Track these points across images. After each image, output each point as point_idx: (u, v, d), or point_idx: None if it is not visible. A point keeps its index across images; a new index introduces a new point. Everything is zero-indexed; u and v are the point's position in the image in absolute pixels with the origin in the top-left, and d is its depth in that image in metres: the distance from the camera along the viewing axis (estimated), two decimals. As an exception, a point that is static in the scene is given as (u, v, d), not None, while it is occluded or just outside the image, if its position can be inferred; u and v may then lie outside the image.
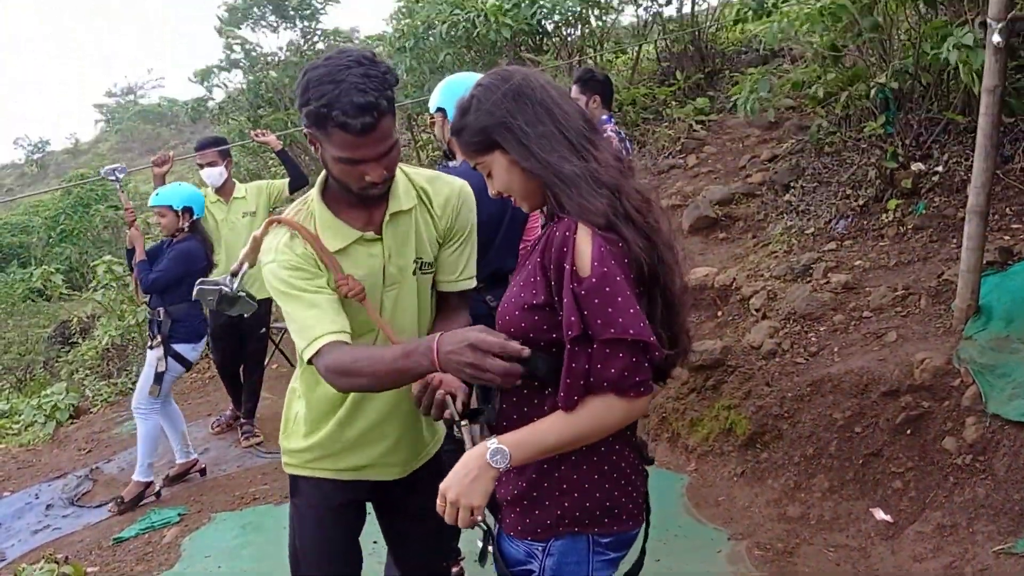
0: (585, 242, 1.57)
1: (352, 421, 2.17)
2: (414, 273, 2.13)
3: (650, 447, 4.60)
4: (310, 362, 1.90)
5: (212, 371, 6.59)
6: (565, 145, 1.64)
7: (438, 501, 1.63)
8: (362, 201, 2.01)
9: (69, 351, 10.42)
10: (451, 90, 3.12)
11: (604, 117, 4.53)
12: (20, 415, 7.64)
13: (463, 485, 1.60)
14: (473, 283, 2.26)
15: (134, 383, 8.06)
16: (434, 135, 3.32)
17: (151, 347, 4.91)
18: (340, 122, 1.78)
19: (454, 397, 1.86)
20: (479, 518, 1.62)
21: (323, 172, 2.03)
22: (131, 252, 5.00)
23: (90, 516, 5.06)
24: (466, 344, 1.59)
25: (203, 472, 5.32)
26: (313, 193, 2.06)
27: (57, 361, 10.48)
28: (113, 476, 5.69)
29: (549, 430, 1.59)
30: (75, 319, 10.72)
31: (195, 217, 4.89)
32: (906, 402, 3.71)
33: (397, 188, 2.06)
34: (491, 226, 2.94)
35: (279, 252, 1.98)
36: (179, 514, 4.75)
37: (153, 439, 4.98)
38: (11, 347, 10.75)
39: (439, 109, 3.18)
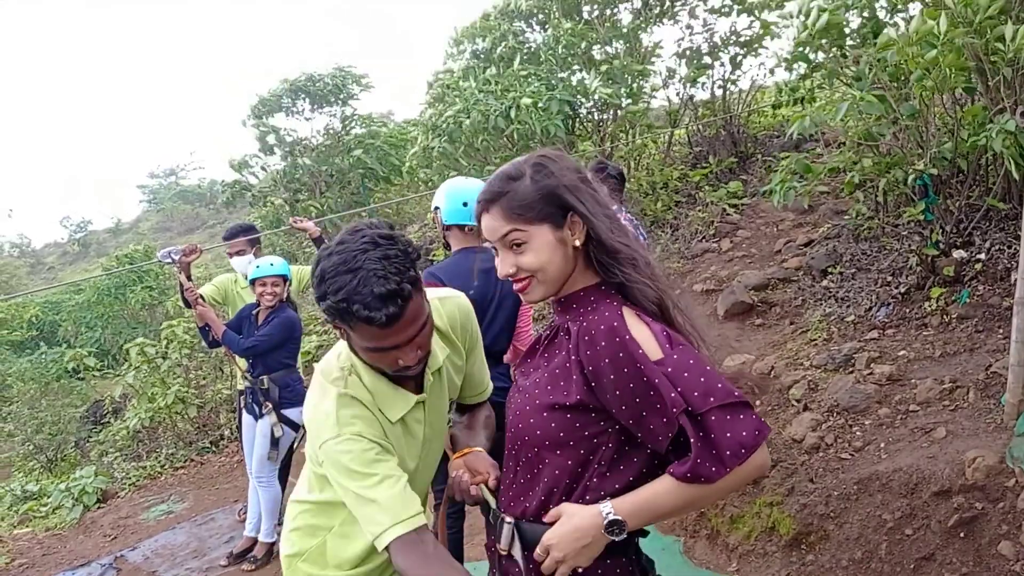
0: (641, 328, 1.54)
1: (378, 573, 2.11)
2: (449, 424, 2.07)
3: (688, 544, 4.43)
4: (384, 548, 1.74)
5: (240, 455, 6.52)
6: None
7: (538, 550, 1.59)
8: (397, 380, 1.89)
9: (100, 431, 10.43)
10: (448, 191, 3.50)
11: (615, 207, 4.57)
12: (48, 497, 7.59)
13: (574, 549, 1.56)
14: (492, 387, 2.21)
15: (163, 466, 8.07)
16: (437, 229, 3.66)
17: (260, 416, 5.02)
18: (363, 316, 1.64)
19: (485, 483, 1.83)
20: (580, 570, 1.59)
21: None
22: (203, 329, 5.14)
23: (112, 608, 4.95)
24: None
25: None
26: (351, 359, 1.88)
27: (88, 441, 10.49)
28: (137, 565, 5.58)
29: (666, 497, 1.53)
30: (107, 399, 10.77)
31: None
32: (958, 503, 3.52)
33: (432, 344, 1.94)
34: (482, 304, 3.10)
35: (343, 426, 1.79)
36: (202, 608, 4.63)
37: (276, 503, 5.20)
38: (43, 427, 10.77)
39: (436, 207, 3.54)
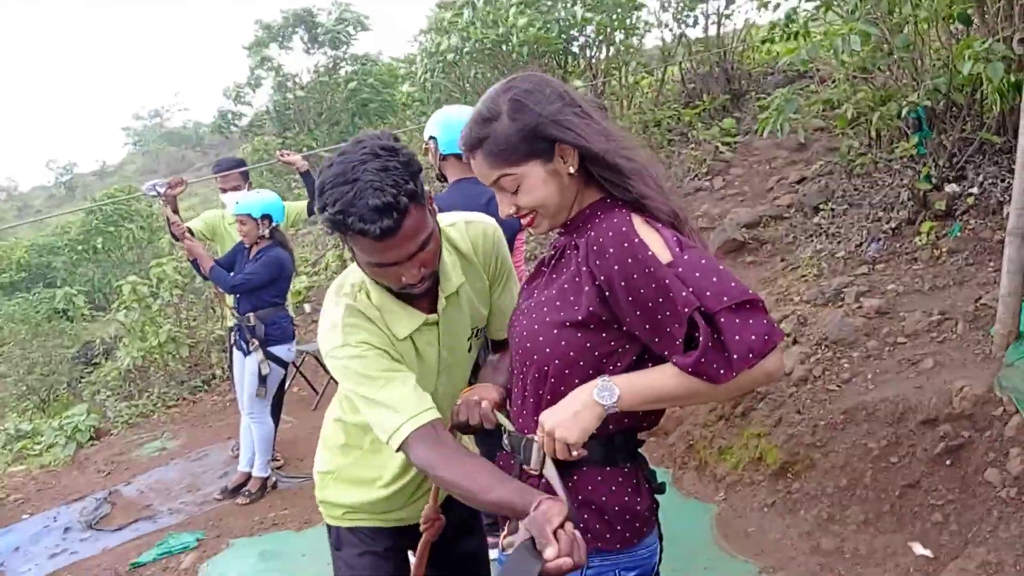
0: (651, 232, 1.51)
1: (415, 487, 2.10)
2: (469, 350, 2.03)
3: (677, 475, 4.48)
4: (399, 448, 1.71)
5: (232, 394, 6.55)
6: (618, 145, 1.58)
7: (538, 432, 1.58)
8: (407, 299, 1.86)
9: (92, 372, 10.45)
10: (444, 120, 3.42)
11: None
12: (41, 436, 7.63)
13: (563, 417, 1.53)
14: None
15: (155, 405, 8.10)
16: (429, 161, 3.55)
17: (248, 353, 5.01)
18: (358, 229, 1.61)
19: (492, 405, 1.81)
20: (575, 454, 1.55)
21: None
22: (195, 263, 5.12)
23: (108, 540, 4.99)
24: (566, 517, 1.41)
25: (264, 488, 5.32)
26: (363, 278, 1.87)
27: (80, 382, 10.51)
28: (132, 500, 5.63)
29: (665, 381, 1.50)
30: (98, 340, 10.76)
31: (275, 223, 4.95)
32: (945, 431, 3.56)
33: (445, 266, 1.89)
34: None
35: (349, 334, 1.77)
36: (197, 539, 4.68)
37: (268, 439, 5.21)
38: (35, 367, 10.78)
39: (432, 137, 3.45)
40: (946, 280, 4.46)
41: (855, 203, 5.53)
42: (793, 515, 3.84)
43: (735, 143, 7.53)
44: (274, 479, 5.37)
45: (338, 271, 10.05)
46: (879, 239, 5.04)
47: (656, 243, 1.49)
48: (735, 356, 1.42)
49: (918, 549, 3.38)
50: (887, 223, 5.08)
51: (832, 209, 5.61)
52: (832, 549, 3.56)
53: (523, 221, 1.64)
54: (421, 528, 2.00)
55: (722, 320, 1.42)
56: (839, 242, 5.26)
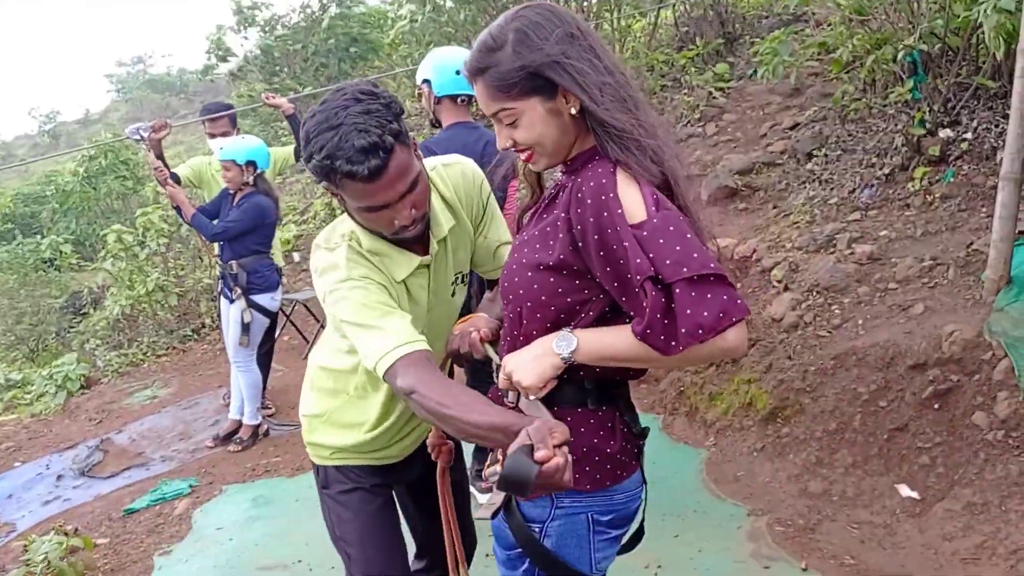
0: (630, 188, 1.46)
1: (399, 428, 2.12)
2: (452, 295, 2.04)
3: (667, 421, 4.51)
4: (385, 378, 1.68)
5: (222, 343, 6.52)
6: (615, 95, 1.51)
7: (502, 373, 1.60)
8: (401, 244, 1.85)
9: (80, 322, 10.40)
10: (438, 62, 3.35)
11: None
12: (31, 385, 7.62)
13: (522, 361, 1.54)
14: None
15: (145, 354, 8.08)
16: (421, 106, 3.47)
17: (232, 300, 5.00)
18: (346, 171, 1.62)
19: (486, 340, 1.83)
20: (531, 397, 1.55)
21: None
22: (179, 210, 5.07)
23: (101, 487, 5.02)
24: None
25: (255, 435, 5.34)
26: (353, 227, 1.85)
27: (69, 331, 10.47)
28: (124, 447, 5.65)
29: (619, 342, 1.48)
30: (86, 289, 10.69)
31: (259, 170, 4.88)
32: (934, 376, 3.59)
33: (435, 211, 1.89)
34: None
35: (352, 270, 1.77)
36: (190, 486, 4.71)
37: (255, 387, 5.21)
38: (23, 317, 10.72)
39: (425, 81, 3.37)
40: (938, 226, 4.45)
41: (848, 149, 5.49)
42: (782, 459, 3.88)
43: (728, 88, 7.44)
44: (266, 427, 5.39)
45: (327, 220, 9.98)
46: (872, 185, 5.01)
47: (632, 201, 1.44)
48: (683, 331, 1.38)
49: (905, 491, 3.42)
50: (880, 169, 5.05)
51: (825, 155, 5.57)
52: (820, 492, 3.61)
53: (522, 156, 1.60)
54: (433, 456, 2.03)
55: (677, 291, 1.38)
56: (832, 188, 5.23)
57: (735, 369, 4.37)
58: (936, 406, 3.54)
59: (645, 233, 1.40)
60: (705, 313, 1.37)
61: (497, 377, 1.68)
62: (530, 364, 1.53)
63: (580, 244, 1.48)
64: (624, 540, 1.73)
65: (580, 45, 1.51)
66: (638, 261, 1.39)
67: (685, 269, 1.37)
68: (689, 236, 1.41)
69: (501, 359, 1.67)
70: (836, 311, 4.22)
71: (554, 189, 1.66)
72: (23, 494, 5.15)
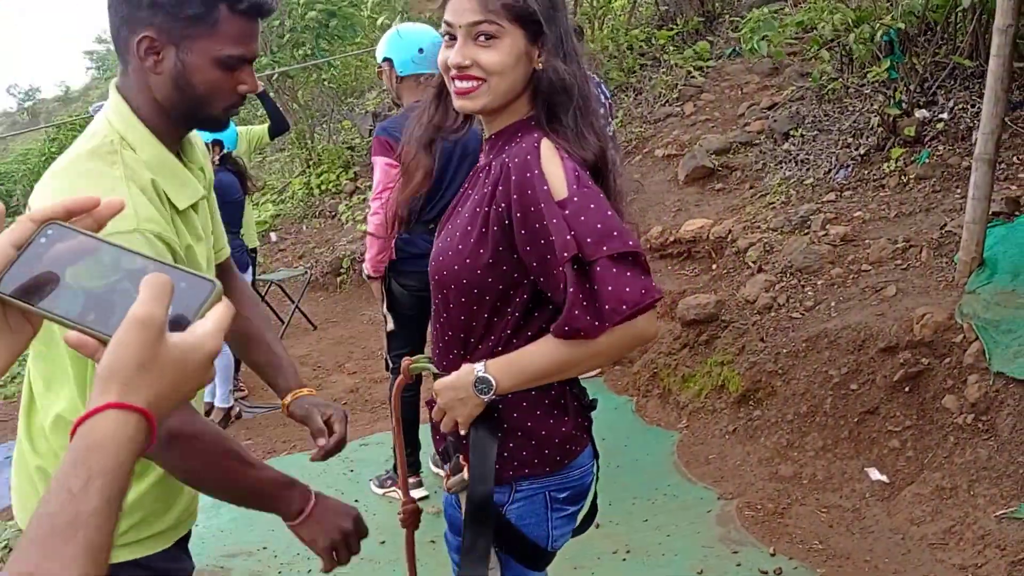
0: (553, 163, 1.43)
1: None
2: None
3: (640, 403, 4.49)
4: None
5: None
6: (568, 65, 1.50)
7: (436, 408, 1.56)
8: (205, 123, 1.52)
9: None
10: (401, 40, 3.27)
11: None
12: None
13: (451, 399, 1.51)
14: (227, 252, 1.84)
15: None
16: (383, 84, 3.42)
17: None
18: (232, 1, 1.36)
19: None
20: (462, 431, 1.53)
21: (127, 101, 1.45)
22: None
23: (69, 471, 4.96)
24: (351, 517, 1.50)
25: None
26: (121, 124, 1.44)
27: (44, 312, 10.35)
28: (94, 430, 5.58)
29: (539, 357, 1.45)
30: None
31: (225, 150, 4.80)
32: (905, 359, 3.57)
33: (196, 153, 1.62)
34: (442, 162, 2.88)
35: (143, 220, 1.34)
36: (158, 470, 4.65)
37: (226, 369, 5.14)
38: (-3, 298, 10.59)
39: (386, 59, 3.29)
40: (913, 207, 4.42)
41: (825, 129, 5.45)
42: (753, 442, 3.86)
43: (707, 68, 7.38)
44: (238, 409, 5.32)
45: (305, 199, 9.86)
46: (848, 166, 4.98)
47: (556, 176, 1.42)
48: (607, 307, 1.35)
49: (874, 474, 3.41)
50: (856, 149, 5.01)
51: (802, 135, 5.53)
52: (790, 475, 3.59)
53: (462, 84, 1.49)
54: (401, 523, 1.79)
55: (598, 268, 1.36)
56: (808, 169, 5.19)
57: (708, 351, 4.34)
58: (907, 389, 3.53)
59: (567, 212, 1.38)
60: (628, 289, 1.36)
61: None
62: (457, 404, 1.51)
63: (507, 222, 1.45)
64: (579, 518, 1.71)
65: (562, 12, 1.52)
66: (566, 239, 1.36)
67: (606, 247, 1.36)
68: (610, 213, 1.40)
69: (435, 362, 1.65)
70: (809, 293, 4.19)
71: (475, 172, 1.62)
72: (-10, 479, 5.08)
